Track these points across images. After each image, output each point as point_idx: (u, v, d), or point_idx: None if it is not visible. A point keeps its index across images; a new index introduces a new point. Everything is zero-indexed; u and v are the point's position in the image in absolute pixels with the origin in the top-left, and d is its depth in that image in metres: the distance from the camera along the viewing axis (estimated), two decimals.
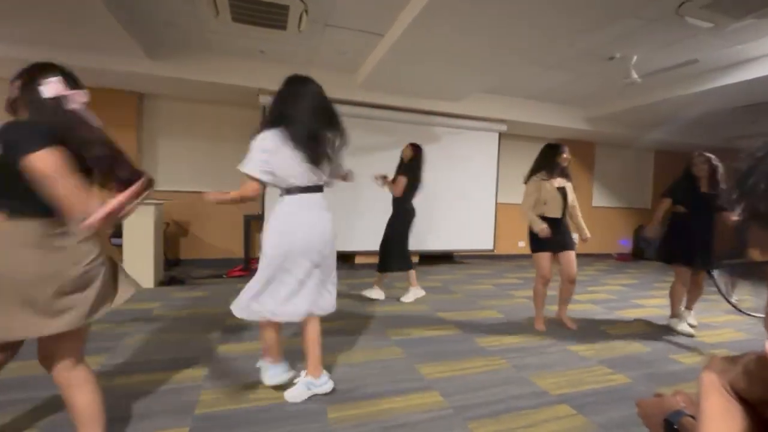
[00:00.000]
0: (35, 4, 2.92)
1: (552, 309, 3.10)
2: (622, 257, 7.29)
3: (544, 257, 2.87)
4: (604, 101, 5.62)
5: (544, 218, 2.83)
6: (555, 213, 2.85)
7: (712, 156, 2.83)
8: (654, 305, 3.69)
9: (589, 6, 2.61)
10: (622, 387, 2.02)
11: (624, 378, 2.13)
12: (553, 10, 2.67)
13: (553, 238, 2.81)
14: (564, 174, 2.95)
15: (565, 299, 3.02)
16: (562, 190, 2.89)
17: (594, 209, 7.40)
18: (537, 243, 2.87)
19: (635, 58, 3.84)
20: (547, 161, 2.90)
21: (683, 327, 2.92)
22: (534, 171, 2.93)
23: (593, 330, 2.94)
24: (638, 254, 7.42)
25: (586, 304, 3.71)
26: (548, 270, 2.87)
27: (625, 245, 7.65)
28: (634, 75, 3.91)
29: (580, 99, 5.59)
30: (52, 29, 3.35)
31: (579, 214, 3.07)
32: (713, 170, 2.78)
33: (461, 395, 1.87)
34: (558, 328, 2.92)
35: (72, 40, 3.56)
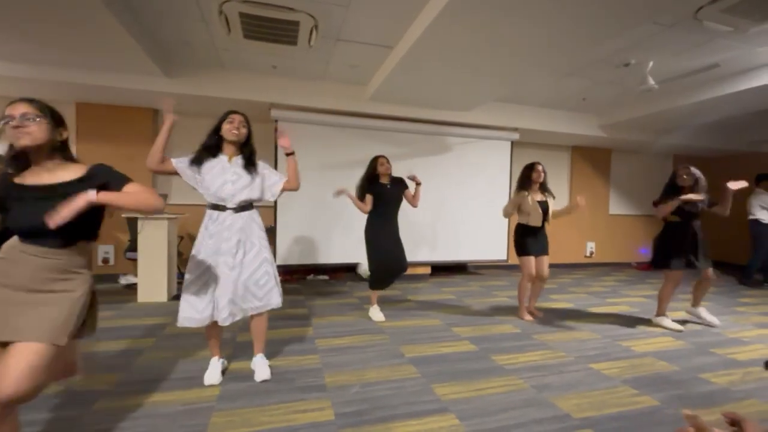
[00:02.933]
0: (60, 28, 3.02)
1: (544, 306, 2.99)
2: (642, 266, 7.06)
3: (530, 260, 3.40)
4: (620, 108, 5.51)
5: (527, 227, 3.41)
6: (536, 222, 3.38)
7: (694, 168, 3.16)
8: (680, 318, 3.54)
9: (604, 14, 2.56)
10: (650, 410, 1.92)
11: (651, 400, 2.02)
12: (567, 19, 2.62)
13: (535, 244, 3.41)
14: (543, 189, 3.46)
15: (536, 294, 3.62)
16: (543, 204, 3.39)
17: (611, 217, 7.22)
18: (523, 248, 3.44)
19: (651, 63, 3.75)
20: (525, 179, 3.45)
21: (670, 323, 3.27)
22: (518, 187, 3.51)
23: (615, 346, 2.82)
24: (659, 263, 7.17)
25: (606, 318, 3.58)
26: (534, 270, 3.41)
27: (645, 254, 7.42)
28: (651, 81, 3.81)
29: (595, 106, 5.49)
30: (72, 51, 3.46)
31: (555, 211, 3.49)
32: (696, 181, 3.11)
33: (479, 418, 1.80)
34: (579, 344, 2.81)
35: (93, 61, 3.68)
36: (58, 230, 1.18)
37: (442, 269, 5.87)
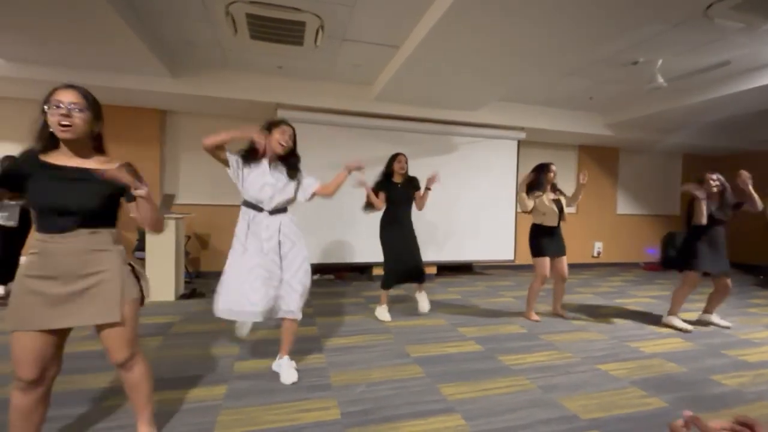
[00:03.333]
0: (67, 29, 3.06)
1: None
2: (650, 267, 6.98)
3: (545, 261, 3.36)
4: (627, 106, 5.45)
5: (543, 227, 3.37)
6: (552, 222, 3.35)
7: (721, 177, 3.21)
8: (690, 320, 3.49)
9: (612, 13, 2.53)
10: (659, 412, 1.89)
11: (660, 402, 1.99)
12: (573, 18, 2.60)
13: (551, 245, 3.36)
14: (554, 189, 3.45)
15: (559, 296, 3.56)
16: (557, 203, 3.37)
17: (619, 217, 7.15)
18: (539, 249, 3.38)
19: (660, 62, 3.71)
20: (539, 180, 3.40)
21: (680, 323, 3.25)
22: (532, 188, 3.42)
23: (623, 347, 2.79)
24: (668, 263, 7.08)
25: (614, 318, 3.54)
26: (548, 271, 3.37)
27: (653, 254, 7.34)
28: (660, 79, 3.77)
29: (602, 105, 5.44)
30: (78, 51, 3.50)
31: (569, 200, 3.51)
32: (723, 189, 3.18)
33: (485, 419, 1.79)
34: (586, 344, 2.79)
35: (101, 62, 3.73)
36: (81, 212, 1.26)
37: (448, 269, 5.85)
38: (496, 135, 5.62)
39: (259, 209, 2.09)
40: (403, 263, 3.30)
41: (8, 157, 3.89)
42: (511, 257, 5.93)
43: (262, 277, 2.01)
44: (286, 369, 2.15)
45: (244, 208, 2.12)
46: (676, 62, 3.80)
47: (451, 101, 4.75)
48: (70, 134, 1.24)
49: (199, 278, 5.04)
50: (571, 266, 6.61)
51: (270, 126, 2.14)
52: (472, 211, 5.66)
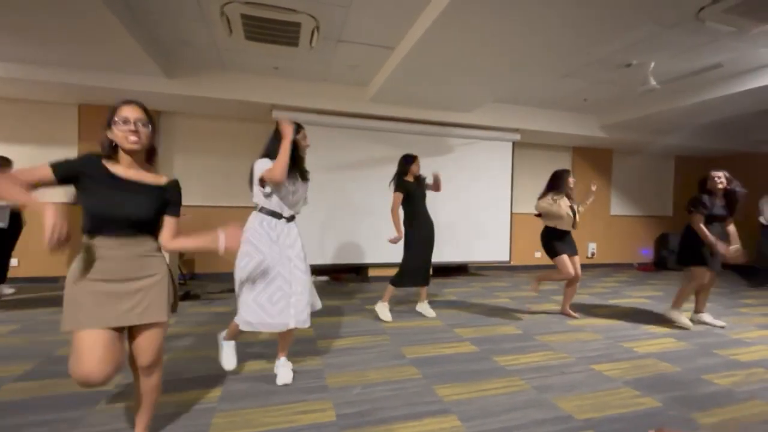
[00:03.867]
0: (62, 29, 3.04)
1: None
2: (643, 267, 7.05)
3: (565, 258, 3.41)
4: (621, 108, 5.51)
5: (556, 230, 3.45)
6: (567, 227, 3.46)
7: (727, 174, 3.23)
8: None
9: (606, 15, 2.56)
10: (652, 411, 1.91)
11: (653, 401, 2.01)
12: (568, 20, 2.63)
13: (565, 245, 3.46)
14: (570, 196, 3.52)
15: (570, 296, 3.63)
16: (572, 209, 3.47)
17: (612, 218, 7.21)
18: (555, 250, 3.45)
19: (653, 64, 3.75)
20: (560, 184, 3.47)
21: (682, 319, 3.29)
22: (553, 192, 3.48)
23: (617, 347, 2.81)
24: (661, 264, 7.17)
25: (608, 319, 3.57)
26: (571, 268, 3.40)
27: (646, 255, 7.41)
28: (653, 81, 3.81)
29: (596, 106, 5.49)
30: (74, 52, 3.48)
31: (581, 208, 3.59)
32: (729, 182, 3.19)
33: (481, 420, 1.80)
34: (581, 345, 2.81)
35: (95, 62, 3.70)
36: (139, 222, 1.36)
37: (444, 270, 5.86)
38: (490, 136, 5.65)
39: (279, 216, 2.10)
40: (426, 261, 3.43)
41: (4, 159, 3.84)
42: (507, 258, 5.96)
43: (282, 290, 2.02)
44: (283, 369, 2.14)
45: (261, 215, 2.08)
46: (669, 65, 3.85)
47: (446, 102, 4.76)
48: (138, 146, 1.34)
49: (194, 280, 5.01)
50: None
51: (294, 133, 2.12)
52: (468, 213, 5.68)
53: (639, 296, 4.63)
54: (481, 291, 4.78)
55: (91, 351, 1.25)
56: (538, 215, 3.54)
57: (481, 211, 5.75)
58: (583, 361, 2.53)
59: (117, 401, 1.89)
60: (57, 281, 4.53)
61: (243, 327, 2.01)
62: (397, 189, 3.33)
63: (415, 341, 2.84)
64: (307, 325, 2.08)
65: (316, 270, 5.27)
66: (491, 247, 5.85)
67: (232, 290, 4.36)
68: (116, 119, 1.32)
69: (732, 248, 3.14)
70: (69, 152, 4.48)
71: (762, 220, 5.40)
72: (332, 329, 3.10)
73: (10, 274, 4.11)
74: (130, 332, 1.41)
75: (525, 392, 2.08)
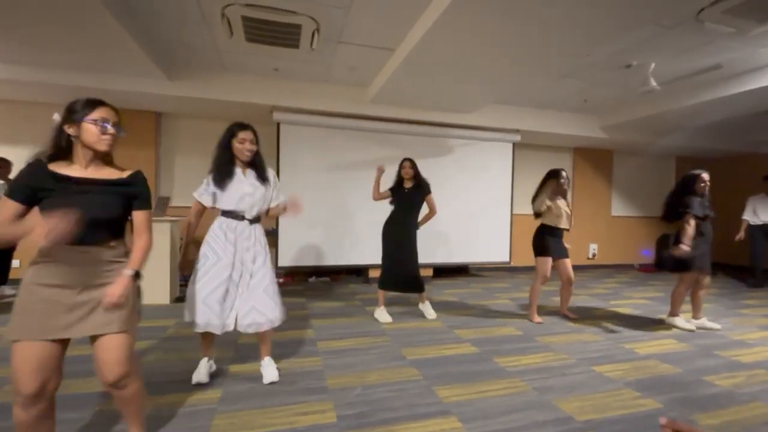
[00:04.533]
0: (62, 31, 3.05)
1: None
2: (644, 268, 7.04)
3: (547, 261, 3.42)
4: (621, 109, 5.51)
5: (557, 228, 3.43)
6: (566, 225, 3.45)
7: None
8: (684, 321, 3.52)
9: (606, 16, 2.56)
10: (653, 413, 1.90)
11: (654, 403, 2.01)
12: (568, 21, 2.63)
13: (556, 247, 3.43)
14: (564, 195, 3.52)
15: (566, 298, 3.65)
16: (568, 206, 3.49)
17: (613, 219, 7.20)
18: (544, 250, 3.43)
19: (653, 65, 3.75)
20: (558, 185, 3.46)
21: (684, 323, 3.33)
22: (551, 192, 3.46)
23: (618, 349, 2.80)
24: (660, 264, 7.13)
25: (609, 320, 3.56)
26: (549, 271, 3.43)
27: (647, 255, 7.39)
28: (653, 82, 3.81)
29: (596, 107, 5.49)
30: (75, 54, 3.48)
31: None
32: (707, 187, 3.23)
33: (481, 421, 1.79)
34: (582, 346, 2.81)
35: (96, 64, 3.71)
36: (105, 223, 1.30)
37: (444, 271, 5.86)
38: (491, 137, 5.65)
39: (240, 218, 2.07)
40: (397, 264, 3.36)
41: (4, 160, 3.86)
42: (507, 259, 5.95)
43: (229, 292, 2.02)
44: (267, 369, 2.16)
45: (222, 218, 2.07)
46: (669, 65, 3.85)
47: (447, 104, 4.77)
48: (109, 148, 1.32)
49: None
50: None
51: (228, 138, 2.05)
52: (468, 214, 5.68)
53: (640, 297, 4.62)
54: (481, 292, 4.78)
55: (24, 364, 1.20)
56: (537, 215, 3.51)
57: (481, 211, 5.74)
58: (583, 362, 2.53)
59: (112, 403, 1.89)
60: None
61: (194, 329, 1.98)
62: (389, 189, 3.53)
63: (416, 342, 2.84)
64: (251, 331, 2.03)
65: (317, 271, 5.28)
66: (491, 248, 5.84)
67: None
68: (94, 118, 1.27)
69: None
70: None
71: (751, 219, 5.36)
72: (332, 330, 3.09)
73: (12, 275, 4.12)
74: (94, 345, 1.34)
75: (525, 393, 2.08)
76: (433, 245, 5.46)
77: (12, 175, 3.90)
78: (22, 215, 1.22)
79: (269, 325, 2.08)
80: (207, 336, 2.12)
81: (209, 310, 1.97)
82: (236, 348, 2.64)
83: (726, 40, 3.29)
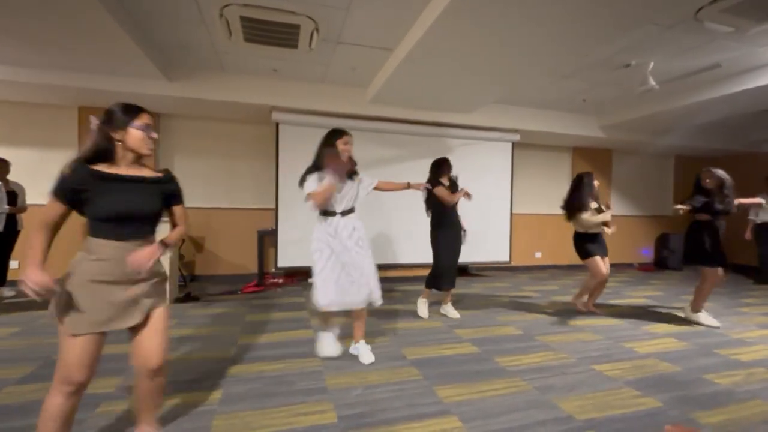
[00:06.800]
0: (61, 32, 3.04)
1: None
2: (643, 267, 7.05)
3: (598, 260, 3.50)
4: (620, 108, 5.51)
5: (587, 233, 3.57)
6: (598, 229, 3.62)
7: (718, 170, 3.27)
8: (684, 319, 3.52)
9: (605, 15, 2.56)
10: (653, 411, 1.91)
11: (654, 401, 2.01)
12: (567, 20, 2.63)
13: (597, 247, 3.58)
14: (596, 198, 3.67)
15: (597, 294, 3.74)
16: (599, 210, 3.61)
17: (613, 218, 7.17)
18: (588, 251, 3.56)
19: (652, 64, 3.76)
20: (590, 189, 3.58)
21: (708, 319, 3.33)
22: (586, 198, 3.58)
23: (618, 347, 2.81)
24: (661, 264, 7.16)
25: (609, 319, 3.56)
26: (603, 269, 3.48)
27: (647, 255, 7.41)
28: (652, 82, 3.81)
29: (595, 107, 5.49)
30: (75, 55, 3.48)
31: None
32: (721, 183, 3.22)
33: (482, 420, 1.79)
34: (582, 345, 2.81)
35: (95, 65, 3.70)
36: (149, 217, 1.43)
37: None
38: (490, 137, 5.65)
39: (333, 213, 2.40)
40: (455, 266, 3.49)
41: (2, 160, 3.85)
42: (507, 259, 5.95)
43: (351, 275, 2.36)
44: (364, 351, 2.46)
45: (321, 217, 2.43)
46: (668, 65, 3.85)
47: (446, 103, 4.77)
48: (151, 152, 1.45)
49: (194, 282, 5.00)
50: (566, 267, 6.67)
51: (333, 140, 2.49)
52: (467, 213, 5.65)
53: (639, 296, 4.62)
54: (481, 291, 4.78)
55: (82, 356, 1.29)
56: (569, 218, 3.63)
57: (481, 212, 5.74)
58: (584, 361, 2.53)
59: (117, 404, 1.89)
60: (58, 284, 4.53)
61: (330, 308, 2.32)
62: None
63: (416, 342, 2.84)
64: (380, 303, 2.45)
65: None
66: (491, 248, 5.84)
67: (232, 292, 4.39)
68: (139, 124, 1.38)
69: None
70: (69, 154, 4.48)
71: (758, 218, 5.38)
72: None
73: (11, 276, 4.11)
74: (135, 335, 1.43)
75: (526, 393, 2.08)
76: None
77: (10, 176, 3.90)
78: (66, 215, 1.31)
79: (377, 303, 2.45)
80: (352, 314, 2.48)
81: (342, 291, 2.35)
82: (236, 348, 2.64)
83: (725, 39, 3.29)
